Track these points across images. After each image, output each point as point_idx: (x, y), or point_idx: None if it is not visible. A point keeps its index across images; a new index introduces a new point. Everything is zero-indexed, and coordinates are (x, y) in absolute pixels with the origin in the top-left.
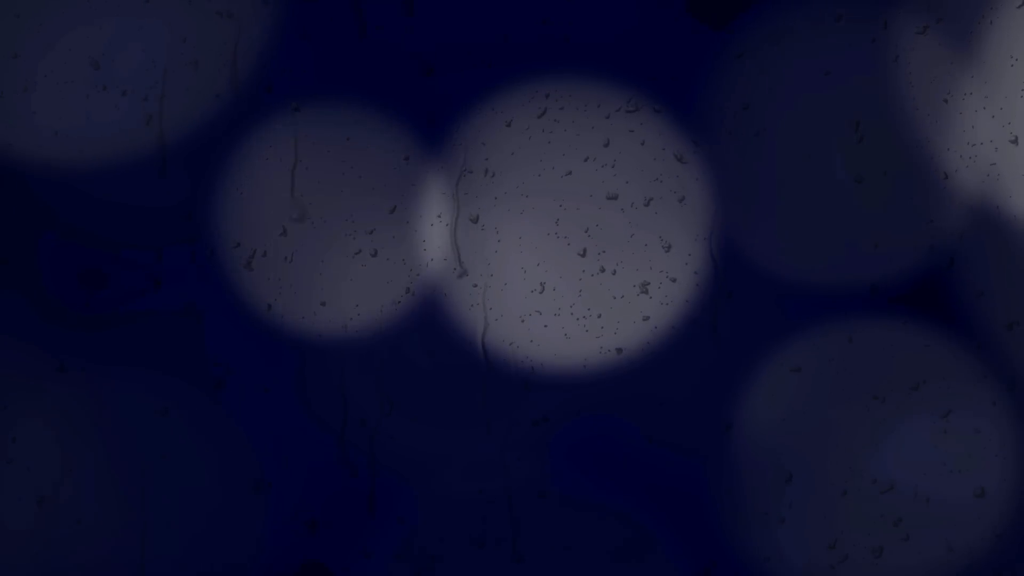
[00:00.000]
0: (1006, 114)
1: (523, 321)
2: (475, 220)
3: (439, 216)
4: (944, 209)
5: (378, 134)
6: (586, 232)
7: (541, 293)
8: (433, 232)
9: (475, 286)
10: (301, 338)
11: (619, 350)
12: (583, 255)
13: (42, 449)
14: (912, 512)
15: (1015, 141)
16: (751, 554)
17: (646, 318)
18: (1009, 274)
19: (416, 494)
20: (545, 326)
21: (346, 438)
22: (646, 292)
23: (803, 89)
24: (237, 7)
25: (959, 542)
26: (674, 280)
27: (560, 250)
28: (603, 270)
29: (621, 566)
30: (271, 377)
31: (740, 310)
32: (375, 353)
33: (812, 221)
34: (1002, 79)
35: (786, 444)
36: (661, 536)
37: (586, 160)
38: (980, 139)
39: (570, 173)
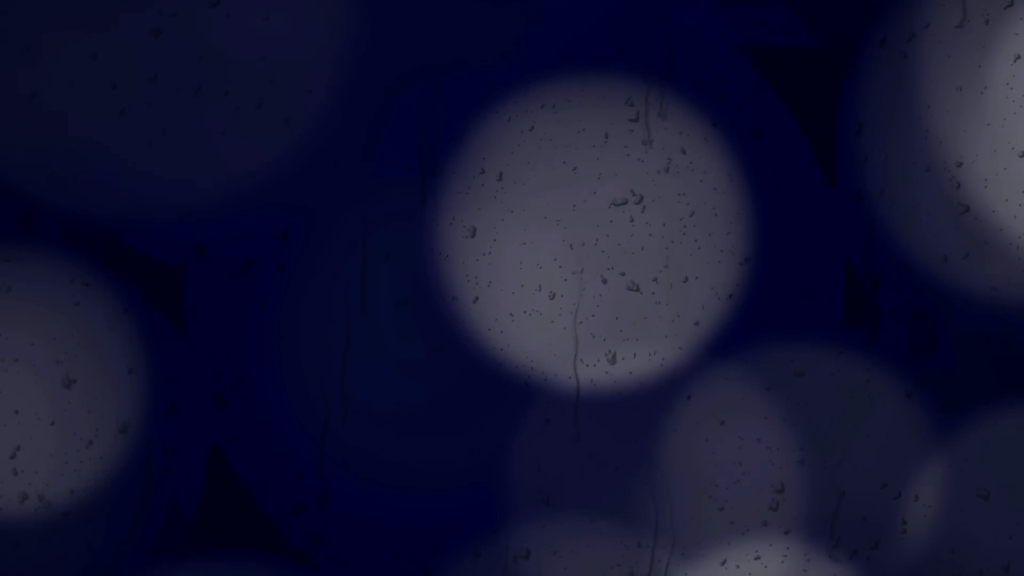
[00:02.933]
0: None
1: (525, 323)
2: (479, 222)
3: (442, 218)
4: (945, 213)
5: (380, 138)
6: (589, 235)
7: (551, 299)
8: (436, 233)
9: (476, 300)
10: (301, 338)
11: (622, 354)
12: (586, 259)
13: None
14: (913, 513)
15: (1022, 155)
16: (751, 552)
17: (650, 321)
18: (1003, 279)
19: (416, 496)
20: (547, 328)
21: (345, 440)
22: (649, 295)
23: (805, 88)
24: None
25: (961, 543)
26: (684, 281)
27: (563, 252)
28: (606, 274)
29: (623, 567)
30: (271, 378)
31: (742, 312)
32: (376, 354)
33: (813, 223)
34: (1000, 80)
35: (787, 447)
36: (664, 536)
37: (588, 162)
38: (979, 141)
39: (574, 171)
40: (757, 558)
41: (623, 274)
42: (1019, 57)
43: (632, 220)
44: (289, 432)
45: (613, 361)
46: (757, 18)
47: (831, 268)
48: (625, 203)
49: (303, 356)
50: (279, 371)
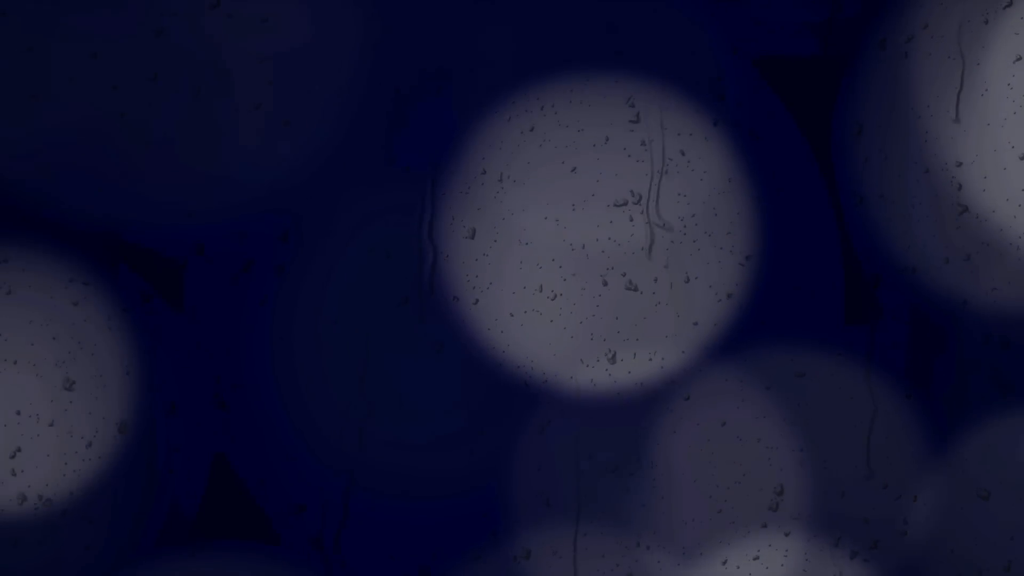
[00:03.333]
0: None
1: (525, 323)
2: (479, 222)
3: (442, 218)
4: (945, 213)
5: (380, 140)
6: (589, 235)
7: (551, 299)
8: (437, 233)
9: (476, 300)
10: (300, 339)
11: (622, 354)
12: (587, 259)
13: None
14: (914, 513)
15: (1023, 157)
16: (751, 553)
17: (650, 321)
18: (1003, 280)
19: (415, 500)
20: (547, 328)
21: (345, 440)
22: (649, 295)
23: (805, 89)
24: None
25: (962, 543)
26: (685, 281)
27: (563, 252)
28: (606, 274)
29: (622, 567)
30: (271, 379)
31: (742, 312)
32: (375, 355)
33: (813, 223)
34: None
35: (787, 447)
36: (663, 536)
37: (588, 163)
38: (979, 142)
39: (574, 171)
40: (757, 558)
41: (623, 274)
42: (1019, 58)
43: (632, 220)
44: (289, 433)
45: (613, 361)
46: (757, 17)
47: (831, 268)
48: (625, 203)
49: (302, 357)
50: (279, 372)
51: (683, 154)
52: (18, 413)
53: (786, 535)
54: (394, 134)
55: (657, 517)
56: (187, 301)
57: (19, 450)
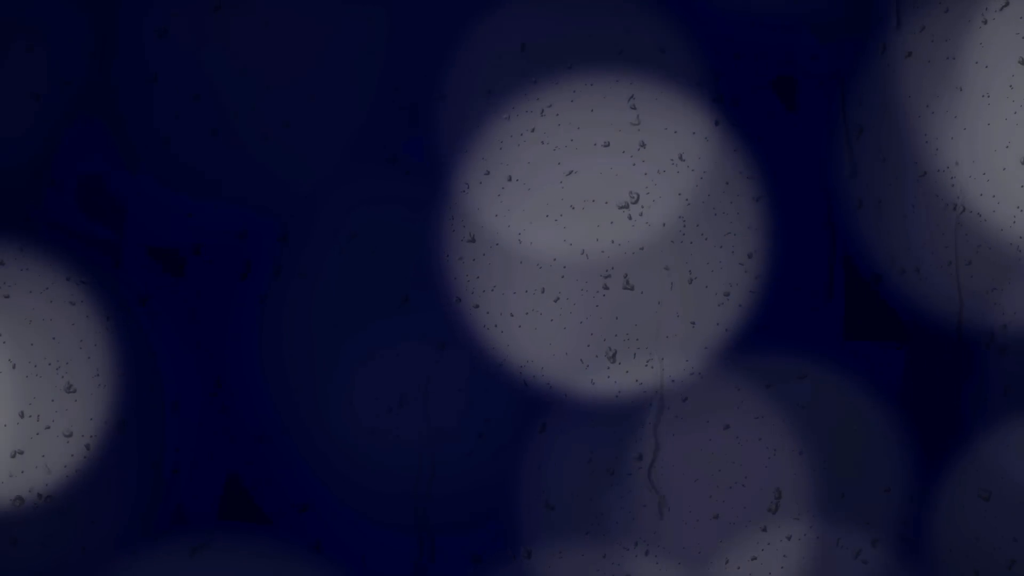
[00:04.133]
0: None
1: (525, 324)
2: (480, 223)
3: (443, 219)
4: (944, 214)
5: (381, 141)
6: (589, 235)
7: (552, 300)
8: (438, 235)
9: (476, 306)
10: (300, 339)
11: (622, 355)
12: (587, 259)
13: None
14: (914, 513)
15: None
16: (750, 554)
17: (650, 322)
18: (1003, 280)
19: (415, 499)
20: (548, 329)
21: (346, 441)
22: (649, 295)
23: (806, 89)
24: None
25: (962, 543)
26: (685, 281)
27: (563, 253)
28: (607, 274)
29: (621, 568)
30: (272, 380)
31: (742, 313)
32: (376, 355)
33: (813, 224)
34: (1001, 82)
35: (787, 448)
36: (663, 537)
37: (588, 163)
38: (978, 143)
39: (574, 172)
40: (756, 559)
41: (623, 274)
42: (1021, 60)
43: (632, 220)
44: (289, 433)
45: (613, 361)
46: (758, 16)
47: (831, 269)
48: (626, 205)
49: (302, 357)
50: (279, 372)
51: (684, 153)
52: (21, 415)
53: (786, 537)
54: (395, 134)
55: (657, 518)
56: (186, 301)
57: (20, 452)
